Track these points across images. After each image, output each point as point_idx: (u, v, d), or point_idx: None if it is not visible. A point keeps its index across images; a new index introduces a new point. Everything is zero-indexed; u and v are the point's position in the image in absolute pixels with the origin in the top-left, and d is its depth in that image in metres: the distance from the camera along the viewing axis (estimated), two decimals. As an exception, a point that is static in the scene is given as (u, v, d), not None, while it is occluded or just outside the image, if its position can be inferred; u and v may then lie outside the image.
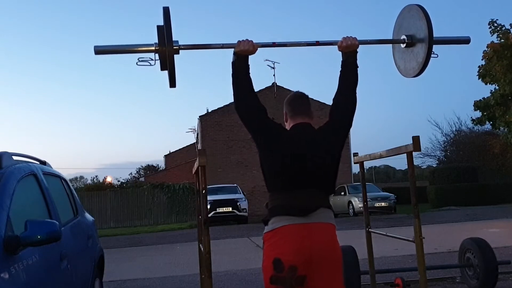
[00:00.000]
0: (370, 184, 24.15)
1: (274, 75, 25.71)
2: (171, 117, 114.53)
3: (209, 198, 15.23)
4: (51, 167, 3.95)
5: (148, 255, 10.28)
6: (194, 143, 33.86)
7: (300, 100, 2.55)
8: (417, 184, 3.25)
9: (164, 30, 2.55)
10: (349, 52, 2.60)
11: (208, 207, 8.34)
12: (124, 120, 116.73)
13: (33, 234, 2.35)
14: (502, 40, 17.43)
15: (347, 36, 2.62)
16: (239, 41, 2.51)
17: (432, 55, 2.87)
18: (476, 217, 14.83)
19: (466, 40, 3.13)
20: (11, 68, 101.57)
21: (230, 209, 17.87)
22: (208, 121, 25.81)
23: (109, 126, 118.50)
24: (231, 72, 2.49)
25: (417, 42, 2.95)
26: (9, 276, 2.18)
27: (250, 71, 2.51)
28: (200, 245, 3.22)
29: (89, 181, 63.55)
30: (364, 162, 4.34)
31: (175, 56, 2.65)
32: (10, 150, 3.03)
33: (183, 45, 2.66)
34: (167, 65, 2.59)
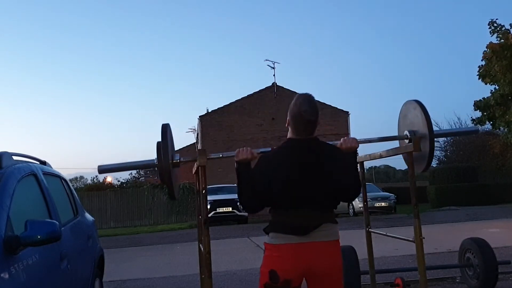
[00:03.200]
0: (370, 184, 24.13)
1: (274, 75, 25.73)
2: (171, 117, 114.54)
3: (209, 198, 15.20)
4: (51, 167, 3.95)
5: (148, 255, 10.28)
6: (194, 143, 33.86)
7: (307, 126, 2.41)
8: (417, 184, 3.25)
9: (161, 147, 2.70)
10: (348, 153, 2.53)
11: (208, 207, 8.34)
12: (124, 120, 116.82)
13: (33, 234, 2.35)
14: (502, 40, 17.45)
15: (347, 138, 2.59)
16: (238, 150, 2.55)
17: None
18: (476, 217, 14.83)
19: (474, 131, 3.10)
20: (11, 68, 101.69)
21: (230, 209, 17.86)
22: (208, 121, 25.80)
23: (109, 126, 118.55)
24: (236, 175, 2.50)
25: (420, 137, 2.92)
26: (9, 276, 2.18)
27: None
28: (200, 245, 3.22)
29: (89, 181, 63.48)
30: (364, 162, 4.33)
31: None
32: (10, 150, 3.03)
33: (183, 160, 2.88)
34: (165, 179, 2.76)
